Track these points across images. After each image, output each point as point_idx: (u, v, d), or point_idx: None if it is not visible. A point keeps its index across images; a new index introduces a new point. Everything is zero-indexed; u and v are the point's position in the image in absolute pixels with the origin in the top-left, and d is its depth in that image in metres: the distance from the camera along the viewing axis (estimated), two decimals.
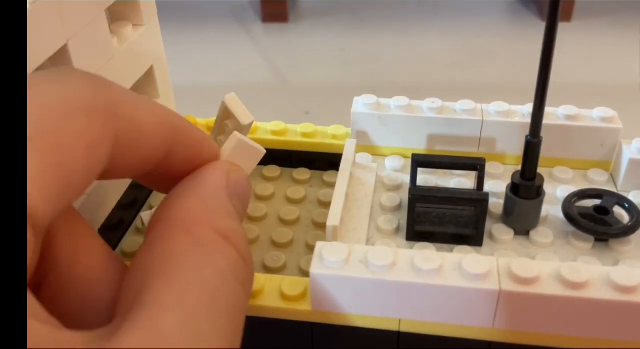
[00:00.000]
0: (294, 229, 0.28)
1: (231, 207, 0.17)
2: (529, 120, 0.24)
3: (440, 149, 0.30)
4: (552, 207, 0.26)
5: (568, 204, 0.25)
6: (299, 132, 0.31)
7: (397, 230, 0.26)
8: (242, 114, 0.23)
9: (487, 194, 0.24)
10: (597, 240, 0.25)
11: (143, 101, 0.16)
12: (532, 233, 0.25)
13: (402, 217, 0.26)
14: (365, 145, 0.30)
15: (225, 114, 0.23)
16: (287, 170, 0.32)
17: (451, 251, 0.24)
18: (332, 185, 0.30)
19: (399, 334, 0.21)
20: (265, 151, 0.23)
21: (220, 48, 0.94)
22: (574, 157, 0.29)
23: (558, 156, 0.29)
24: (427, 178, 0.29)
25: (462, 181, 0.28)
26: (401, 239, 0.25)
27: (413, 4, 1.06)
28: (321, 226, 0.28)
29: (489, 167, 0.29)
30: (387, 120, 0.29)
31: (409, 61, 0.87)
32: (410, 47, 0.92)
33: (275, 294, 0.22)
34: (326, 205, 0.29)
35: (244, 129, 0.23)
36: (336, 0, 1.08)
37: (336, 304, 0.21)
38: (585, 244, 0.24)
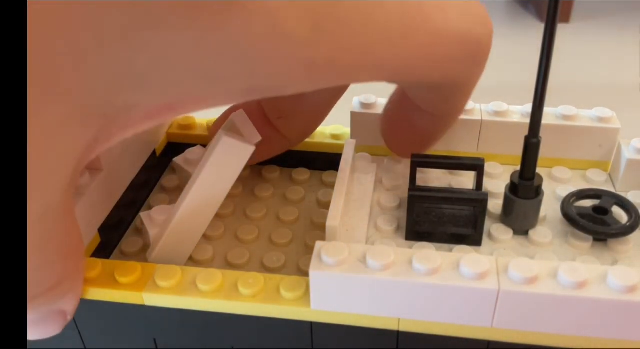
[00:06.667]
0: (293, 229, 0.28)
1: None
2: (527, 120, 0.24)
3: (439, 149, 0.30)
4: (550, 207, 0.26)
5: (567, 204, 0.25)
6: None
7: (397, 230, 0.26)
8: (250, 132, 0.23)
9: (486, 194, 0.24)
10: (595, 240, 0.25)
11: None
12: (531, 233, 0.25)
13: (402, 217, 0.26)
14: (365, 145, 0.30)
15: (233, 129, 0.24)
16: (286, 170, 0.32)
17: (450, 250, 0.25)
18: (331, 185, 0.30)
19: (398, 334, 0.22)
20: (254, 147, 0.22)
21: None
22: (572, 157, 0.29)
23: (557, 156, 0.29)
24: (426, 178, 0.29)
25: (461, 180, 0.28)
26: (400, 239, 0.25)
27: None
28: (320, 226, 0.28)
29: (488, 167, 0.29)
30: None
31: None
32: None
33: (274, 293, 0.22)
34: (325, 205, 0.29)
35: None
36: None
37: (335, 303, 0.21)
38: (584, 243, 0.25)
